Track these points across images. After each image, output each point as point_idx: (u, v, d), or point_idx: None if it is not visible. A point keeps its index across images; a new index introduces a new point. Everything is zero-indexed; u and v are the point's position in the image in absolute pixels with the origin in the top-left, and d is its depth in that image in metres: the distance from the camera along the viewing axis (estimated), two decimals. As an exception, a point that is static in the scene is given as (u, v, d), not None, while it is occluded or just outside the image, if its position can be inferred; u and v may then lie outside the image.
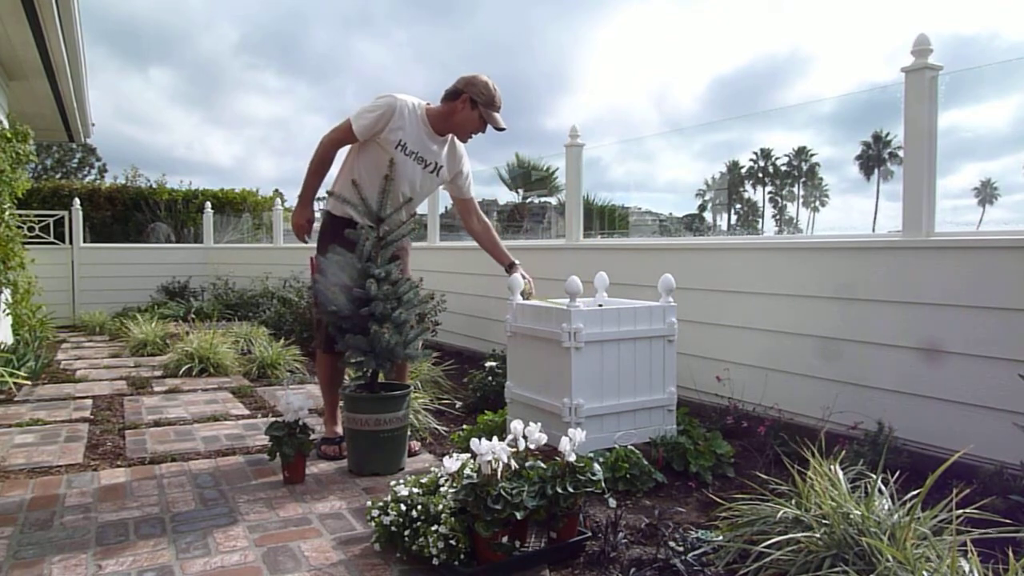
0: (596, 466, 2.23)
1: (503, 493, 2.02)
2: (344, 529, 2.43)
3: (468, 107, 3.14)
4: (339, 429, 3.35)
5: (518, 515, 2.01)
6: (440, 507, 2.12)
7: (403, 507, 2.19)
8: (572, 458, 2.20)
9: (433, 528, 2.06)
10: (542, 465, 2.21)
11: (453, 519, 2.07)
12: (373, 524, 2.25)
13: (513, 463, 2.15)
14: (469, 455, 2.18)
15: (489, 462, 2.08)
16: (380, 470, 3.00)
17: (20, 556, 2.21)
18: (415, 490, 2.27)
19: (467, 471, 2.14)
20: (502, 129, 3.21)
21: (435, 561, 2.03)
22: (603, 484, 2.24)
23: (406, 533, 2.13)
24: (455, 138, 3.33)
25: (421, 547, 2.07)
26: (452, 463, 2.18)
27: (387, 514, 2.20)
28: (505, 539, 2.05)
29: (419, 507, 2.15)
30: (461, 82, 3.17)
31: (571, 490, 2.12)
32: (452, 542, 2.04)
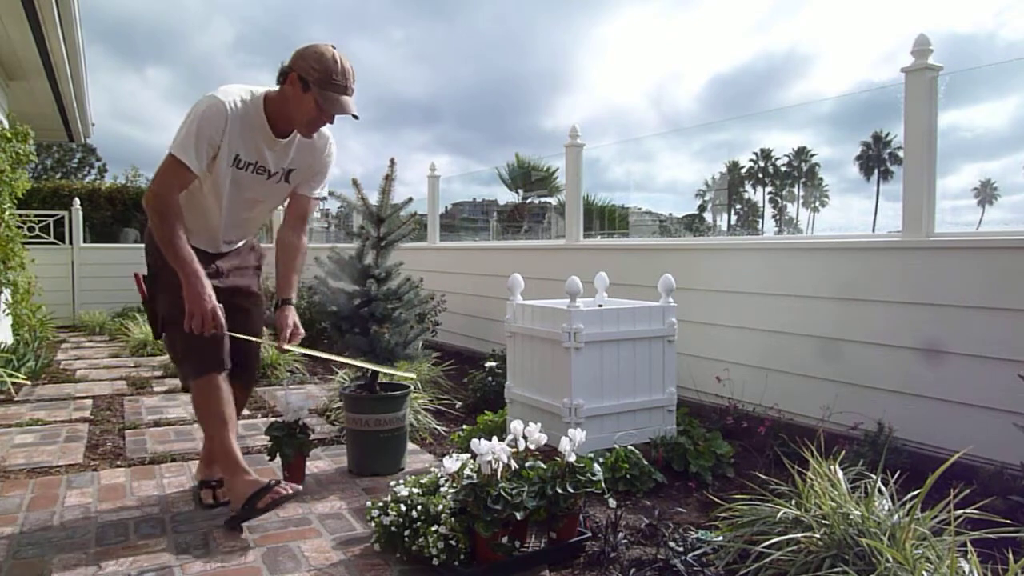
0: (596, 466, 2.23)
1: (503, 493, 2.02)
2: (344, 529, 2.43)
3: (299, 89, 2.32)
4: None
5: (518, 515, 2.01)
6: (440, 507, 2.13)
7: (403, 507, 2.19)
8: (572, 458, 2.20)
9: (433, 528, 2.07)
10: (542, 465, 2.21)
11: (453, 519, 2.07)
12: (373, 524, 2.26)
13: (513, 463, 2.15)
14: (469, 455, 2.18)
15: (489, 462, 2.08)
16: (380, 470, 3.01)
17: (20, 556, 2.21)
18: (415, 490, 2.27)
19: (467, 471, 2.14)
20: (350, 114, 2.37)
21: (435, 561, 2.03)
22: (603, 484, 2.24)
23: (406, 533, 2.13)
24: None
25: (421, 547, 2.07)
26: (452, 463, 2.18)
27: (387, 514, 2.20)
28: (505, 539, 2.05)
29: (419, 507, 2.16)
30: (292, 57, 2.38)
31: (571, 490, 2.12)
32: (452, 542, 2.04)
